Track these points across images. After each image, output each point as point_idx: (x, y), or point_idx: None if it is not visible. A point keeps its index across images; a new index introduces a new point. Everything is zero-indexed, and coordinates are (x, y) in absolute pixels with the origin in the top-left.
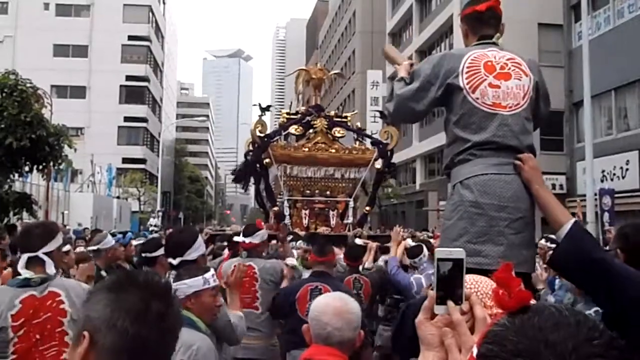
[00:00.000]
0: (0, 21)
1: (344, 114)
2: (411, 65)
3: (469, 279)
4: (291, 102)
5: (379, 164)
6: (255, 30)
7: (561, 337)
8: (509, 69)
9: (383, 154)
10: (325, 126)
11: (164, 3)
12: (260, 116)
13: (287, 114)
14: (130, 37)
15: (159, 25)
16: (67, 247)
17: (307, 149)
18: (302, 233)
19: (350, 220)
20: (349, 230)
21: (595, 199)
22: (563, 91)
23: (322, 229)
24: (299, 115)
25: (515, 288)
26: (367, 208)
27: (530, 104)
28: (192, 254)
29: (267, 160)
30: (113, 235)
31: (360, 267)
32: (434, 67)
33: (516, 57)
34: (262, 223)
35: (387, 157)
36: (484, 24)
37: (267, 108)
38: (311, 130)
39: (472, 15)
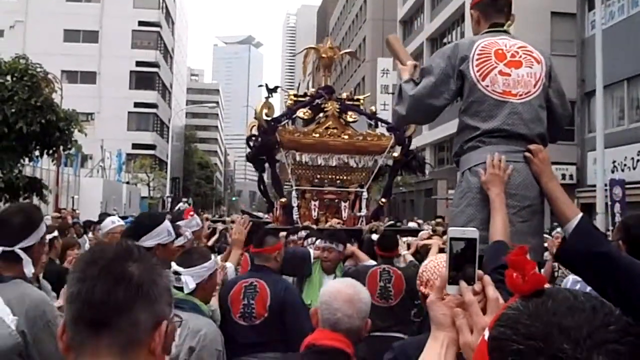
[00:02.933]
0: (11, 6)
1: (356, 97)
2: (415, 66)
3: (438, 260)
4: (299, 83)
5: (396, 152)
6: (266, 17)
7: (576, 322)
8: (520, 56)
9: (401, 141)
10: (337, 110)
11: None
12: (267, 98)
13: (295, 96)
14: (141, 23)
15: (170, 11)
16: (55, 234)
17: (317, 135)
18: (314, 226)
19: (363, 212)
20: (362, 224)
21: (605, 190)
22: (575, 81)
23: (332, 222)
24: (308, 98)
25: (529, 271)
26: (383, 200)
27: (543, 90)
28: (147, 241)
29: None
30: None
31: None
32: (449, 59)
33: (528, 46)
34: (192, 212)
35: (405, 144)
36: (495, 11)
37: (275, 89)
38: (321, 114)
39: (483, 2)
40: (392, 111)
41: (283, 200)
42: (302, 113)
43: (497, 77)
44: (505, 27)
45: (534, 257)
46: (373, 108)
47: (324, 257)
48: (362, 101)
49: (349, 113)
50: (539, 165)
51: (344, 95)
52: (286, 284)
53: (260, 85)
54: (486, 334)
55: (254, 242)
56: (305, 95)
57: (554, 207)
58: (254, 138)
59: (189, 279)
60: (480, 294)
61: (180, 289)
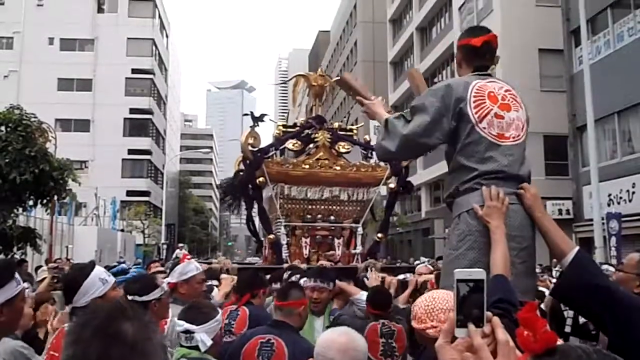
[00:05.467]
0: (5, 56)
1: (349, 127)
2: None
3: (427, 296)
4: (288, 113)
5: (392, 183)
6: (258, 61)
7: None
8: (508, 100)
9: (397, 172)
10: (329, 140)
11: (167, 36)
12: (252, 127)
13: (284, 126)
14: (134, 71)
15: (162, 58)
16: (25, 285)
17: (307, 166)
18: (304, 265)
19: (359, 249)
20: (357, 262)
21: (603, 224)
22: (566, 116)
23: (323, 262)
24: (297, 128)
25: (540, 329)
26: (380, 235)
27: (526, 134)
28: (81, 300)
29: (261, 179)
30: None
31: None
32: (443, 98)
33: (512, 89)
34: (188, 257)
35: (401, 174)
36: (478, 58)
37: (261, 117)
38: (312, 145)
39: (466, 48)
40: (377, 145)
41: (271, 237)
42: (291, 144)
43: (493, 119)
44: (489, 71)
45: (531, 297)
46: (367, 137)
47: (314, 298)
48: (355, 131)
49: (342, 143)
50: (531, 200)
51: (336, 125)
52: (308, 345)
53: (246, 114)
54: None
55: (277, 294)
56: (294, 125)
57: (549, 241)
58: (241, 173)
59: (205, 336)
60: (490, 337)
61: (194, 347)
